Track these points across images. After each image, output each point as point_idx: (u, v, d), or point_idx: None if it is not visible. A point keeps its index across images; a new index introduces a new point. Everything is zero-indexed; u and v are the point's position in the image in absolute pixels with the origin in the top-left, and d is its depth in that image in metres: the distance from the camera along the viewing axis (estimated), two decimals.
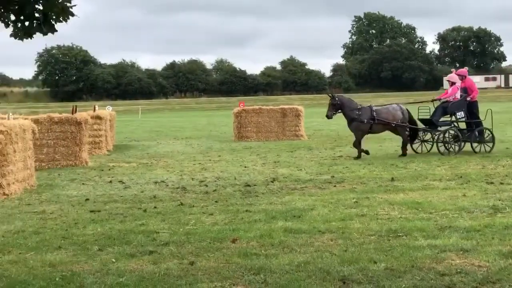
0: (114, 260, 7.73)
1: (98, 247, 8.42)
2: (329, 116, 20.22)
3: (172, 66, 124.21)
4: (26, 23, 4.39)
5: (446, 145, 19.89)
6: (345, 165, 17.43)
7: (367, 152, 19.59)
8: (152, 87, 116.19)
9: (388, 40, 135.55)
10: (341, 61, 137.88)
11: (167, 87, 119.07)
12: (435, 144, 20.18)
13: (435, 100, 21.06)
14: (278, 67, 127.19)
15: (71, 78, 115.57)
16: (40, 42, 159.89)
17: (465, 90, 20.34)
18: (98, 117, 23.70)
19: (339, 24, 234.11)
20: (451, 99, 20.20)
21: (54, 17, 4.33)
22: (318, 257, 7.65)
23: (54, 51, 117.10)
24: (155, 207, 11.51)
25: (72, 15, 4.53)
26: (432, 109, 20.66)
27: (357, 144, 19.66)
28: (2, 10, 4.15)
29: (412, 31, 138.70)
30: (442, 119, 20.32)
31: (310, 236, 8.79)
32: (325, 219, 9.88)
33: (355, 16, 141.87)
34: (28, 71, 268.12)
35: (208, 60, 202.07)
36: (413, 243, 8.26)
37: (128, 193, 13.47)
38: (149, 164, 19.53)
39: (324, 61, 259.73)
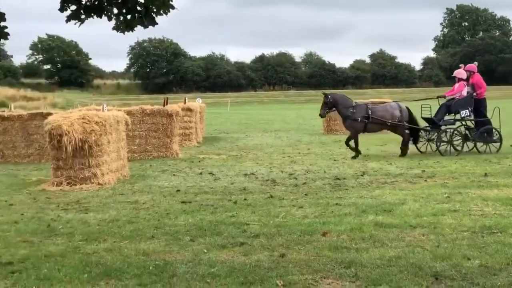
0: (205, 251, 7.82)
1: (189, 238, 8.53)
2: (322, 115, 20.07)
3: (261, 59, 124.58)
4: (128, 16, 4.50)
5: (448, 144, 18.89)
6: (435, 160, 17.10)
7: (359, 152, 18.85)
8: (241, 79, 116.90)
9: (481, 33, 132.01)
10: (432, 54, 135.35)
11: (255, 80, 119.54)
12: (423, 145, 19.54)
13: (440, 97, 20.18)
14: (368, 60, 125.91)
15: (162, 71, 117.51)
16: (132, 35, 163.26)
17: (474, 87, 19.33)
18: (189, 109, 24.05)
19: (431, 17, 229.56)
20: (457, 97, 19.24)
21: (155, 10, 4.42)
22: (409, 252, 7.52)
23: (145, 44, 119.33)
24: (245, 199, 11.58)
25: (173, 8, 4.61)
26: (434, 107, 19.80)
27: (348, 142, 19.05)
28: (106, 4, 4.26)
29: (507, 24, 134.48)
30: (447, 117, 19.38)
31: (401, 231, 8.66)
32: (416, 214, 9.71)
33: (447, 8, 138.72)
34: (120, 63, 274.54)
35: (297, 53, 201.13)
36: (508, 240, 8.02)
37: (218, 184, 13.60)
38: (238, 156, 19.68)
39: (414, 55, 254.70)
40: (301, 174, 15.00)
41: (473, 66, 20.08)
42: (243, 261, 7.34)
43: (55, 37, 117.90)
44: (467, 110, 19.05)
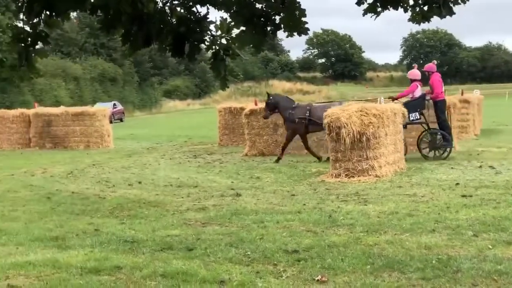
0: (490, 247, 7.53)
1: (472, 233, 8.26)
2: (265, 117, 18.70)
3: None
4: (425, 7, 4.45)
5: None
6: None
7: (319, 159, 17.96)
8: None
9: None
10: None
11: None
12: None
13: (394, 99, 17.98)
14: None
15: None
16: (405, 28, 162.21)
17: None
18: (466, 101, 23.36)
19: None
20: (410, 98, 17.62)
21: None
22: None
23: (419, 35, 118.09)
24: None
25: None
26: None
27: (284, 146, 18.36)
28: None
29: None
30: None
31: None
32: None
33: None
34: (393, 56, 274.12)
35: None
36: None
37: (499, 178, 13.02)
38: None
39: None
40: None
41: (431, 65, 18.35)
42: None
43: (330, 31, 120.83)
44: (416, 113, 17.37)
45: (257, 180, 14.34)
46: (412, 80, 18.06)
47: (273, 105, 18.68)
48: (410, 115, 17.22)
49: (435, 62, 19.10)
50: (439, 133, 17.28)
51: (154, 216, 10.34)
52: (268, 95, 19.07)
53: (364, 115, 13.88)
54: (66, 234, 9.11)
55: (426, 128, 17.52)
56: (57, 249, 8.22)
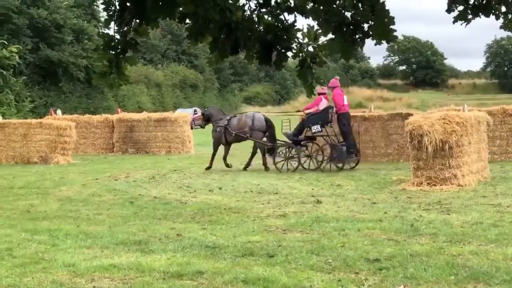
0: None
1: None
2: (201, 126, 19.20)
3: None
4: None
5: (286, 160, 18.40)
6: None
7: (228, 165, 19.24)
8: None
9: None
10: None
11: None
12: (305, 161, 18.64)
13: (303, 111, 19.26)
14: None
15: None
16: (490, 34, 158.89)
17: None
18: None
19: None
20: (313, 111, 18.55)
21: None
22: None
23: (503, 42, 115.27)
24: None
25: None
26: (294, 122, 19.40)
27: (212, 156, 19.50)
28: (494, 2, 4.18)
29: None
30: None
31: None
32: None
33: None
34: (476, 62, 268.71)
35: None
36: None
37: None
38: None
39: None
40: None
41: (334, 81, 19.11)
42: None
43: (411, 38, 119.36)
44: (318, 126, 18.20)
45: (338, 188, 14.28)
46: (320, 93, 18.35)
47: (207, 116, 20.50)
48: (312, 127, 18.30)
49: (337, 78, 19.98)
50: (338, 146, 18.01)
51: (235, 222, 10.41)
52: (205, 107, 21.26)
53: (447, 123, 13.65)
54: (149, 239, 9.27)
55: (328, 141, 18.24)
56: (140, 253, 8.37)
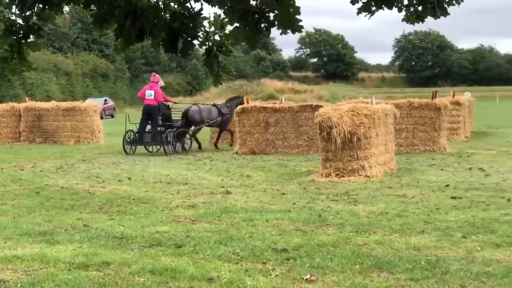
0: (479, 249, 7.54)
1: (461, 234, 8.27)
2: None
3: None
4: (420, 7, 4.45)
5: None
6: None
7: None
8: (511, 73, 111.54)
9: None
10: None
11: None
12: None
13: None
14: None
15: (427, 64, 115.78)
16: (398, 29, 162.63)
17: None
18: (457, 103, 23.47)
19: None
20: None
21: (447, 0, 4.32)
22: None
23: (411, 36, 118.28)
24: None
25: None
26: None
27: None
28: None
29: None
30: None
31: None
32: None
33: None
34: (385, 56, 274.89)
35: None
36: None
37: (489, 181, 13.07)
38: (510, 152, 18.77)
39: None
40: None
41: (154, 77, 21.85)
42: None
43: (322, 31, 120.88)
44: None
45: (247, 179, 14.33)
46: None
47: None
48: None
49: (154, 74, 22.84)
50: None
51: (144, 213, 10.31)
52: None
53: (356, 115, 13.88)
54: (55, 229, 9.07)
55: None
56: (45, 244, 8.18)
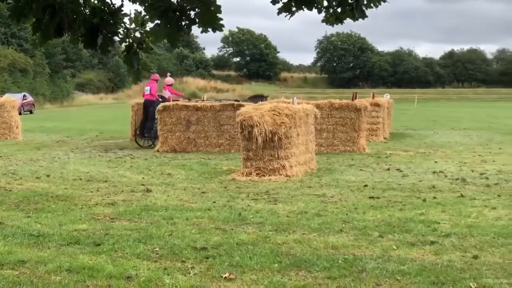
0: (395, 248, 7.71)
1: (378, 233, 8.44)
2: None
3: (450, 55, 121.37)
4: (339, 9, 4.51)
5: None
6: None
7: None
8: (429, 76, 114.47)
9: None
10: None
11: (444, 77, 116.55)
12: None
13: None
14: None
15: (348, 65, 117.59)
16: (320, 30, 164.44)
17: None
18: (377, 105, 23.90)
19: None
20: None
21: (365, 2, 4.40)
22: None
23: (333, 38, 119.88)
24: (434, 197, 11.30)
25: (384, 1, 4.57)
26: None
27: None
28: None
29: None
30: None
31: None
32: None
33: None
34: (307, 57, 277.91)
35: (489, 50, 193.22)
36: None
37: (406, 181, 13.38)
38: (426, 154, 19.26)
39: None
40: (493, 174, 14.41)
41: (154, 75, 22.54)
42: (434, 260, 7.15)
43: (245, 30, 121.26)
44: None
45: (168, 177, 14.26)
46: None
47: None
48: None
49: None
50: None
51: (62, 210, 10.13)
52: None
53: (277, 115, 13.99)
54: None
55: None
56: None
